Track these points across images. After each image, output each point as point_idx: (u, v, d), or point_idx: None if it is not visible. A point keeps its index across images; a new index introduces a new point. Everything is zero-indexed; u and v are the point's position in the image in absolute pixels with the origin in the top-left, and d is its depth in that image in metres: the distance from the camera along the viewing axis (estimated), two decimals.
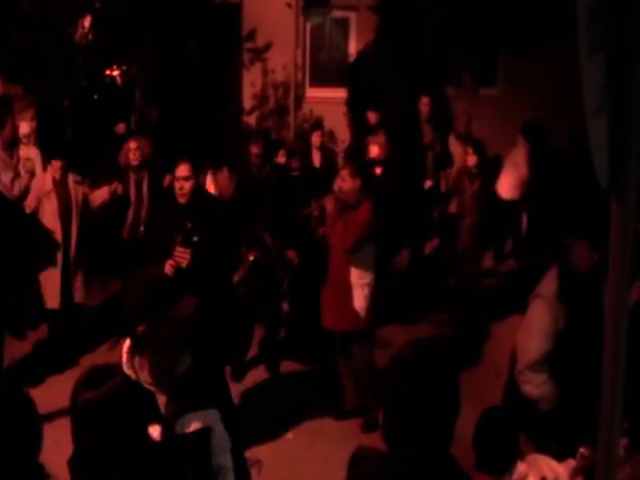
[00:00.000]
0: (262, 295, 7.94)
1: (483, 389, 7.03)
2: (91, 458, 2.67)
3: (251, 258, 7.52)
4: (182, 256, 6.34)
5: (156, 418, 3.15)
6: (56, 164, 7.91)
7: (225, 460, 3.26)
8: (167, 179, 8.59)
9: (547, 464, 3.66)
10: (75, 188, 8.01)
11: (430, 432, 2.45)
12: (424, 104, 10.33)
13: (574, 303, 4.75)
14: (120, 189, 8.31)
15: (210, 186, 8.13)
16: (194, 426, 3.14)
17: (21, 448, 2.52)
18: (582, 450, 3.60)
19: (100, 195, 8.21)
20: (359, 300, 6.80)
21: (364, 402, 6.95)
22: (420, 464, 2.43)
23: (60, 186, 7.91)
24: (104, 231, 8.75)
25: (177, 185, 6.55)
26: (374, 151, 9.36)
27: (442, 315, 9.24)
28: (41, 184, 7.99)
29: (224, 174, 7.80)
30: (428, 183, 10.01)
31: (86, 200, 8.08)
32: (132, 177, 8.72)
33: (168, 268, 6.20)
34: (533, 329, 4.78)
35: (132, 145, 8.75)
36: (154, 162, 9.01)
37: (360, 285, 6.80)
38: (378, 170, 9.21)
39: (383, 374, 2.69)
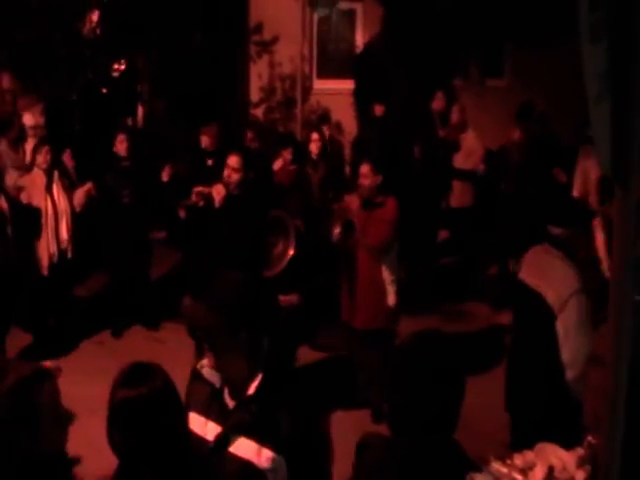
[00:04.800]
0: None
1: (487, 376, 7.06)
2: (122, 456, 2.58)
3: (291, 253, 6.92)
4: (198, 198, 6.58)
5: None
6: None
7: None
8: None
9: (555, 452, 3.63)
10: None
11: (432, 418, 2.46)
12: (438, 98, 10.12)
13: None
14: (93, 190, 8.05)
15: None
16: (248, 454, 2.73)
17: None
18: (590, 439, 3.58)
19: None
20: (392, 297, 6.78)
21: (375, 394, 6.91)
22: (424, 450, 2.44)
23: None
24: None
25: (225, 173, 6.55)
26: None
27: (449, 306, 9.27)
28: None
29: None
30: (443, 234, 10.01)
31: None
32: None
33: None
34: (585, 326, 4.70)
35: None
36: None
37: (391, 282, 6.77)
38: None
39: (387, 362, 2.68)
